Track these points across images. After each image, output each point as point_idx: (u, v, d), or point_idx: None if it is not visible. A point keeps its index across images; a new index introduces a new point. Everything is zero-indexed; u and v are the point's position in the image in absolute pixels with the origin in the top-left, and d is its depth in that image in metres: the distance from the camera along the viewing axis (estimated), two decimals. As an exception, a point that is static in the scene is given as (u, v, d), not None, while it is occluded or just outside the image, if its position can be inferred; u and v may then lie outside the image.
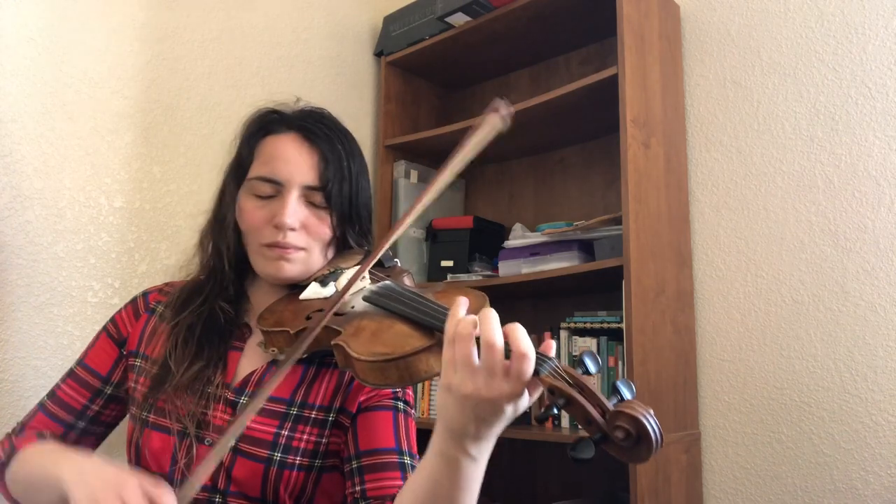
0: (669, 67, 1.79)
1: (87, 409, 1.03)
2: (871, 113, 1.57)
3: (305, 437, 0.93)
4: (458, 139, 0.80)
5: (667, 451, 1.58)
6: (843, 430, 1.53)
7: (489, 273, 1.94)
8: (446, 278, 1.97)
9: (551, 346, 0.69)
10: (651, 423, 0.59)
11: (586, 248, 1.75)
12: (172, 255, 1.66)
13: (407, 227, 0.86)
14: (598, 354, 1.69)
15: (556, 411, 0.64)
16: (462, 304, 0.71)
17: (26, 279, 1.42)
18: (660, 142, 1.71)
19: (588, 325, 1.74)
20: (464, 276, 1.94)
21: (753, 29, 1.76)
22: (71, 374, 1.05)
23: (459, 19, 1.99)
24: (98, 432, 1.06)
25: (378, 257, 0.89)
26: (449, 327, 0.69)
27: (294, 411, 0.95)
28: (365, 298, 0.87)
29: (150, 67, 1.67)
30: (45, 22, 1.48)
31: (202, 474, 0.82)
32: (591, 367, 0.67)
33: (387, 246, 0.86)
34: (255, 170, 0.99)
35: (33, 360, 1.41)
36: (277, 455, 0.91)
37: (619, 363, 1.64)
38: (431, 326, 0.75)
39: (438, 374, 0.72)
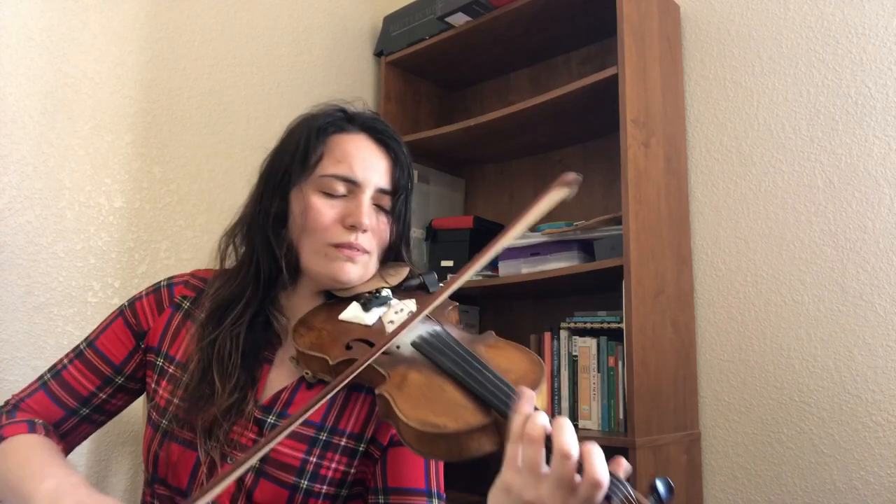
0: (669, 67, 1.79)
1: (95, 396, 0.96)
2: (871, 113, 1.57)
3: (334, 465, 0.89)
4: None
5: (667, 451, 1.58)
6: (843, 430, 1.53)
7: (489, 273, 1.94)
8: (446, 278, 1.97)
9: (622, 465, 0.64)
10: None
11: (586, 248, 1.75)
12: (172, 255, 1.66)
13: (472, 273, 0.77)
14: (598, 355, 1.69)
15: None
16: (529, 398, 0.65)
17: (26, 279, 1.42)
18: (660, 142, 1.70)
19: (588, 325, 1.74)
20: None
21: (753, 29, 1.76)
22: (80, 355, 0.97)
23: (459, 19, 1.99)
24: (99, 421, 0.99)
25: (437, 305, 0.80)
26: (516, 425, 0.64)
27: (324, 437, 0.90)
28: (414, 345, 0.81)
29: (150, 67, 1.67)
30: (45, 22, 1.48)
31: (215, 491, 0.78)
32: (665, 496, 0.62)
33: (448, 293, 0.78)
34: (328, 167, 0.94)
35: (33, 360, 1.41)
36: (304, 483, 0.86)
37: (619, 363, 1.64)
38: (488, 403, 0.68)
39: (489, 454, 0.67)
